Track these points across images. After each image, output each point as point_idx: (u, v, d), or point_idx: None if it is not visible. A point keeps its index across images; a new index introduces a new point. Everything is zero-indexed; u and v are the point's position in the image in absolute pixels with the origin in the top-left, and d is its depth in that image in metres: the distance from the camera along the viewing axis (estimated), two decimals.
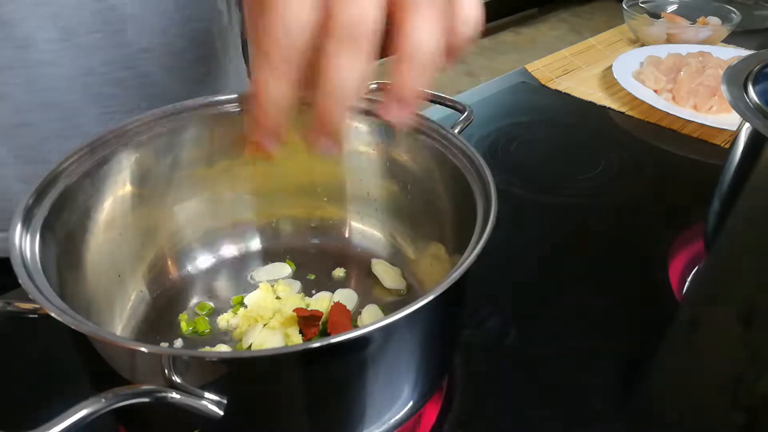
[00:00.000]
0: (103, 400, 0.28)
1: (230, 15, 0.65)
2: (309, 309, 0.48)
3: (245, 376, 0.33)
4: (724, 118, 0.81)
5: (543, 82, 0.93)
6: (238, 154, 0.52)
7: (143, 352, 0.31)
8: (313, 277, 0.53)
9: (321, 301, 0.50)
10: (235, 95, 0.50)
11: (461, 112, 0.51)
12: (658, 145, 0.79)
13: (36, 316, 0.34)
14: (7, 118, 0.53)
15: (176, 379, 0.31)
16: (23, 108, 0.53)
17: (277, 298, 0.50)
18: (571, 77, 0.95)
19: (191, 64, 0.60)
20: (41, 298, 0.33)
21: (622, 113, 0.85)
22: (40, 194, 0.40)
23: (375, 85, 0.54)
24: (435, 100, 0.52)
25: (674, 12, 1.11)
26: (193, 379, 0.32)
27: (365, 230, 0.56)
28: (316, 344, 0.30)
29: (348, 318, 0.46)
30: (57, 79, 0.53)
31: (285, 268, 0.53)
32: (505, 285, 0.56)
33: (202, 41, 0.60)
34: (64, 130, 0.55)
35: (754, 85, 0.50)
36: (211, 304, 0.50)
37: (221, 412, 0.32)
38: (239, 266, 0.54)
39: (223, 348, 0.47)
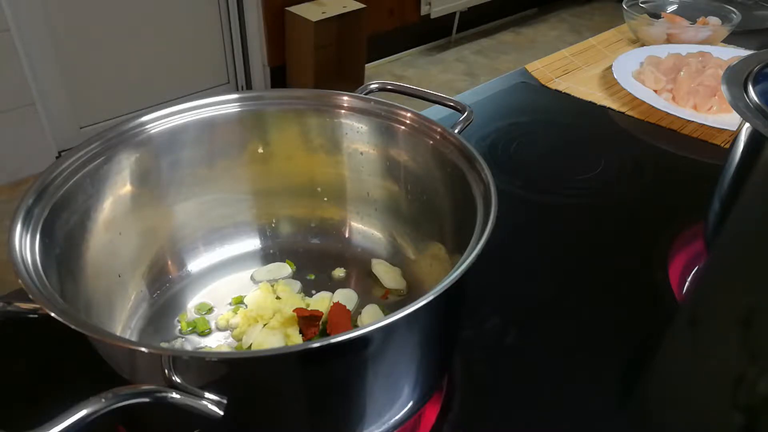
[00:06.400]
0: (103, 400, 0.28)
1: None
2: (309, 309, 0.47)
3: (245, 376, 0.33)
4: (724, 118, 0.81)
5: (543, 82, 0.93)
6: (238, 154, 0.52)
7: (143, 352, 0.31)
8: (313, 277, 0.53)
9: (321, 301, 0.50)
10: (236, 95, 0.51)
11: (461, 112, 0.51)
12: (658, 145, 0.79)
13: (36, 316, 0.34)
14: None
15: (176, 379, 0.31)
16: None
17: (277, 298, 0.50)
18: (571, 77, 0.95)
19: None
20: (41, 298, 0.33)
21: (622, 113, 0.85)
22: (40, 194, 0.40)
23: (375, 85, 0.54)
24: (435, 100, 0.52)
25: (674, 12, 1.11)
26: (193, 379, 0.32)
27: (365, 230, 0.56)
28: (316, 344, 0.30)
29: (348, 318, 0.46)
30: None
31: (285, 268, 0.53)
32: (505, 285, 0.56)
33: None
34: None
35: (754, 85, 0.50)
36: (211, 304, 0.50)
37: (221, 412, 0.32)
38: (239, 266, 0.54)
39: (223, 348, 0.47)
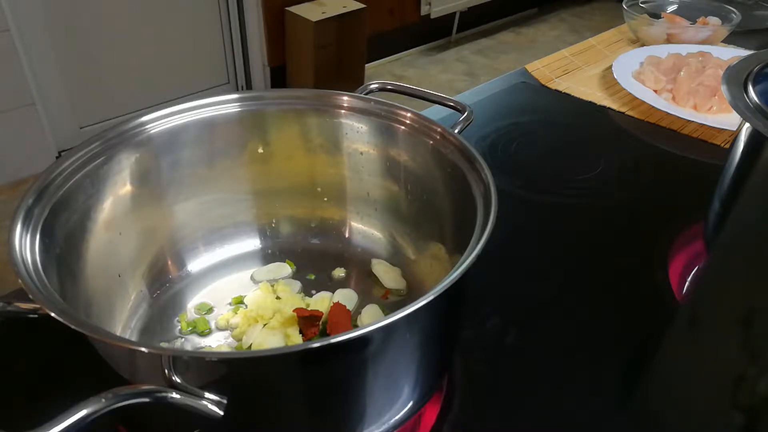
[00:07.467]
0: (103, 400, 0.28)
1: None
2: (309, 309, 0.47)
3: (245, 376, 0.33)
4: (724, 118, 0.81)
5: (543, 82, 0.93)
6: (238, 154, 0.52)
7: (143, 352, 0.31)
8: (313, 277, 0.53)
9: (321, 301, 0.50)
10: (236, 95, 0.51)
11: (461, 112, 0.51)
12: (658, 145, 0.79)
13: (36, 316, 0.34)
14: None
15: (176, 379, 0.31)
16: None
17: (277, 298, 0.50)
18: (571, 77, 0.95)
19: None
20: (41, 298, 0.33)
21: (622, 113, 0.85)
22: (40, 194, 0.40)
23: (375, 85, 0.54)
24: (435, 100, 0.52)
25: (674, 12, 1.11)
26: (193, 379, 0.32)
27: (365, 230, 0.56)
28: (316, 344, 0.30)
29: (348, 318, 0.46)
30: None
31: (285, 268, 0.53)
32: (505, 285, 0.56)
33: None
34: None
35: (754, 85, 0.50)
36: (211, 304, 0.50)
37: (221, 412, 0.32)
38: (239, 266, 0.54)
39: (223, 348, 0.47)
